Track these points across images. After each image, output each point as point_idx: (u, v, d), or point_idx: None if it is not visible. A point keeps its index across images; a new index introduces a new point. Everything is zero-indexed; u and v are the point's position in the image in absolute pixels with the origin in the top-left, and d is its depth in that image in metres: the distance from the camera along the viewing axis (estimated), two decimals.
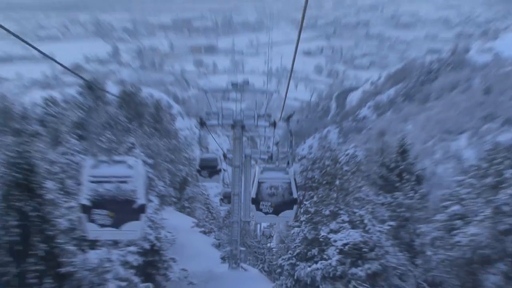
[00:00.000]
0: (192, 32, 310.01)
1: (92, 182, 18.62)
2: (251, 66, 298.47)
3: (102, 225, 18.40)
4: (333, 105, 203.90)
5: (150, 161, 41.95)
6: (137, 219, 18.72)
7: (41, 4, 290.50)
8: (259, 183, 23.88)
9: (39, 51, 15.46)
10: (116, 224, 18.62)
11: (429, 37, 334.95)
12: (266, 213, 23.96)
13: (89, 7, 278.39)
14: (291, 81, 36.01)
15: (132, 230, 19.26)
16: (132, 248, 25.64)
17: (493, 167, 23.96)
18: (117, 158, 19.59)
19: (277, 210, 24.27)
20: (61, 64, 19.46)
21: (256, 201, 23.54)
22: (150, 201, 28.74)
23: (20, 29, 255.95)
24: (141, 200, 18.52)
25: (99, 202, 18.50)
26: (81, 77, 26.93)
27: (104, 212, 18.48)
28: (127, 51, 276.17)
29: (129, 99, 67.37)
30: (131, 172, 18.96)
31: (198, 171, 46.27)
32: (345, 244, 25.65)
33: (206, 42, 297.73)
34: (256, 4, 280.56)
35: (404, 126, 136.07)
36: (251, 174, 34.37)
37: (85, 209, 18.12)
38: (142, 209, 18.63)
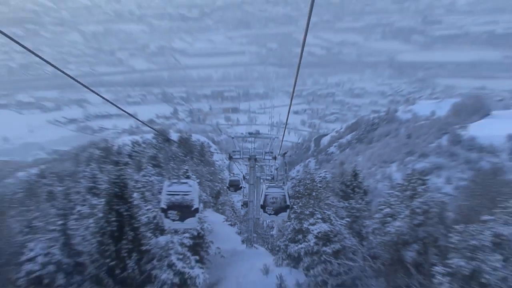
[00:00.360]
0: (224, 99, 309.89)
1: (168, 194, 21.29)
2: (260, 120, 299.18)
3: (173, 220, 20.98)
4: (312, 145, 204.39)
5: (197, 180, 42.54)
6: (193, 216, 21.18)
7: (129, 82, 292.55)
8: (265, 195, 25.12)
9: (126, 112, 16.35)
10: (181, 219, 21.09)
11: (372, 103, 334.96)
12: (269, 214, 25.45)
13: (159, 84, 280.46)
14: (286, 130, 36.62)
15: (191, 223, 21.66)
16: (186, 234, 26.43)
17: (411, 184, 24.18)
18: (182, 180, 22.02)
19: (276, 212, 25.42)
20: (141, 121, 20.85)
21: (263, 207, 24.97)
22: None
23: (116, 98, 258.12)
24: (196, 205, 21.09)
25: (172, 206, 20.51)
26: (153, 128, 27.57)
27: (175, 212, 20.49)
28: (182, 111, 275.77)
29: (184, 142, 68.46)
30: (190, 188, 21.37)
31: (228, 187, 48.88)
32: (318, 232, 25.90)
33: (232, 105, 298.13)
34: (264, 82, 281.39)
35: (356, 158, 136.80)
36: (260, 189, 34.89)
37: (164, 210, 20.86)
38: (196, 210, 21.17)
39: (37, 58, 10.62)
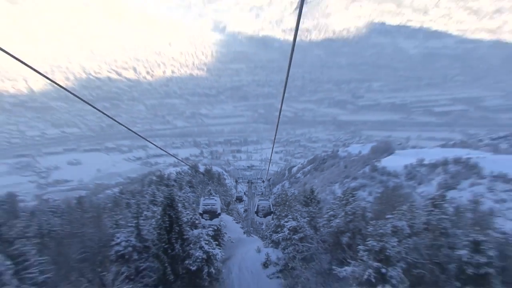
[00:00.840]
0: (231, 144, 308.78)
1: (203, 205, 22.52)
2: (254, 157, 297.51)
3: (206, 219, 22.45)
4: (286, 172, 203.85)
5: (217, 196, 42.71)
6: (217, 217, 22.46)
7: (173, 134, 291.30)
8: (257, 205, 25.36)
9: (171, 154, 16.93)
10: (211, 219, 22.38)
11: (323, 146, 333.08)
12: (260, 217, 25.33)
13: (192, 135, 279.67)
14: (270, 163, 37.19)
15: (216, 221, 22.92)
16: (210, 228, 26.39)
17: (346, 196, 24.42)
18: (212, 196, 23.50)
19: (265, 215, 25.60)
20: (180, 159, 21.38)
21: (256, 212, 25.25)
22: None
23: (165, 144, 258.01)
24: (218, 211, 22.36)
25: (205, 211, 21.10)
26: (188, 164, 28.36)
27: (207, 215, 21.16)
28: (206, 152, 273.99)
29: (208, 172, 68.09)
30: (215, 202, 22.70)
31: (235, 200, 48.14)
32: (290, 226, 26.11)
33: (237, 148, 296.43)
34: (256, 134, 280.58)
35: (314, 180, 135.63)
36: (255, 201, 35.25)
37: (201, 214, 22.49)
38: (219, 214, 22.41)
39: (118, 120, 11.39)
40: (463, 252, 14.89)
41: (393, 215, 18.72)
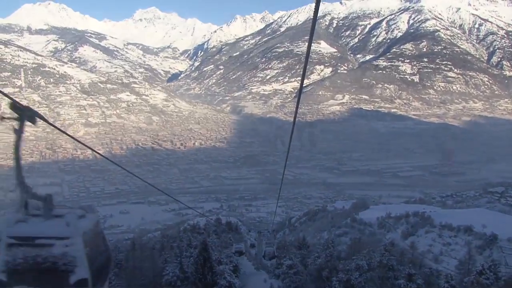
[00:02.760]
0: (244, 200, 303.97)
1: (235, 248, 25.02)
2: (262, 210, 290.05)
3: (236, 256, 23.13)
4: (287, 223, 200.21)
5: (242, 243, 42.83)
6: (243, 255, 25.54)
7: (200, 192, 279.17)
8: (264, 250, 27.40)
9: (196, 210, 19.24)
10: (239, 256, 23.22)
11: (315, 202, 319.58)
12: (267, 260, 27.17)
13: (214, 193, 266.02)
14: (275, 216, 39.02)
15: (242, 259, 24.46)
16: (231, 265, 27.49)
17: (328, 242, 26.14)
18: (240, 243, 27.30)
19: (270, 259, 27.42)
20: (202, 214, 23.36)
21: (263, 256, 26.93)
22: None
23: (193, 199, 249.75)
24: (244, 251, 26.24)
25: (236, 251, 22.30)
26: (211, 218, 30.27)
27: (237, 254, 22.84)
28: (225, 206, 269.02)
29: (228, 223, 68.29)
30: (242, 246, 26.28)
31: (249, 246, 48.91)
32: (287, 264, 27.51)
33: (249, 203, 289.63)
34: (264, 192, 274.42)
35: (308, 229, 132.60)
36: (262, 247, 36.75)
37: (233, 253, 23.82)
38: (244, 253, 25.80)
39: (151, 183, 14.07)
40: (401, 281, 17.00)
41: (356, 256, 20.90)
